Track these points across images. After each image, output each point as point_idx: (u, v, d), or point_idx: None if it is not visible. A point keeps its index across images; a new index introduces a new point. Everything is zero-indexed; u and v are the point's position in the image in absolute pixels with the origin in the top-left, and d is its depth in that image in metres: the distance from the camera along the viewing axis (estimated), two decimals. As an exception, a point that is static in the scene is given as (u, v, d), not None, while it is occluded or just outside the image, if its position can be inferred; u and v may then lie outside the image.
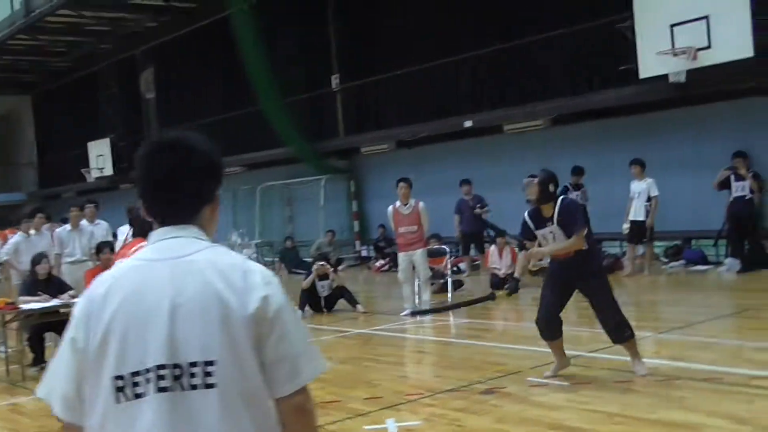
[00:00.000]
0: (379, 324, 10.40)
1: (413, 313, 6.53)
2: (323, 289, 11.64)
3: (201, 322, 1.82)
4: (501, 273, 12.98)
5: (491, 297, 6.90)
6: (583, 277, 6.41)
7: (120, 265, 1.99)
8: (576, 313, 10.32)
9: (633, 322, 9.18)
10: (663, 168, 13.60)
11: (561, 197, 6.51)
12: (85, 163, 27.72)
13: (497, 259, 13.24)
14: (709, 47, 12.04)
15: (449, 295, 11.79)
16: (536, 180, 6.41)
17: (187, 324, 1.82)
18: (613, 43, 13.75)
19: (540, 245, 6.62)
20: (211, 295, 1.84)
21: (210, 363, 1.81)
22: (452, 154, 18.03)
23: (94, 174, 27.15)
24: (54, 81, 31.48)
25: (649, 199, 13.03)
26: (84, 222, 11.48)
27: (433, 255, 12.32)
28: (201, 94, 24.75)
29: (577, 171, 14.40)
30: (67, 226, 11.29)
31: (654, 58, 12.47)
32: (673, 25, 12.40)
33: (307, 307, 11.54)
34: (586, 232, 6.39)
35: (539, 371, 6.88)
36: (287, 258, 19.20)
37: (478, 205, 14.90)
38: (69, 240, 11.08)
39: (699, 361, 6.86)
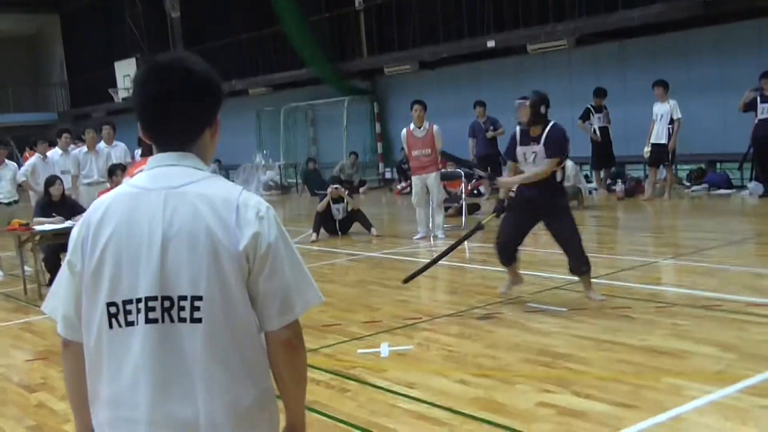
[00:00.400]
0: (391, 248, 10.46)
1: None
2: (338, 212, 11.68)
3: (190, 257, 1.83)
4: (518, 196, 12.91)
5: (479, 228, 6.91)
6: (549, 212, 6.48)
7: (116, 190, 1.98)
8: (586, 237, 10.30)
9: (646, 247, 9.20)
10: (687, 90, 13.31)
11: (553, 122, 6.42)
12: (114, 82, 27.80)
13: (515, 183, 13.14)
14: (738, -38, 11.61)
15: (463, 219, 11.79)
16: (528, 102, 6.33)
17: (177, 257, 1.83)
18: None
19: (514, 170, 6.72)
20: (201, 230, 1.83)
21: (198, 298, 1.82)
22: (475, 76, 17.78)
23: (122, 94, 27.23)
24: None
25: (671, 121, 12.77)
26: (102, 144, 11.56)
27: (449, 178, 12.29)
28: (226, 12, 24.48)
29: (599, 93, 14.16)
30: (84, 148, 11.40)
31: (681, -25, 12.05)
32: (701, -62, 11.95)
33: (321, 230, 11.62)
34: (560, 162, 6.37)
35: (539, 297, 6.92)
36: (310, 179, 19.26)
37: (491, 128, 14.73)
38: (86, 161, 11.20)
39: (701, 288, 6.83)
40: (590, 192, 14.49)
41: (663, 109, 12.84)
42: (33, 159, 11.53)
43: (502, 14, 16.52)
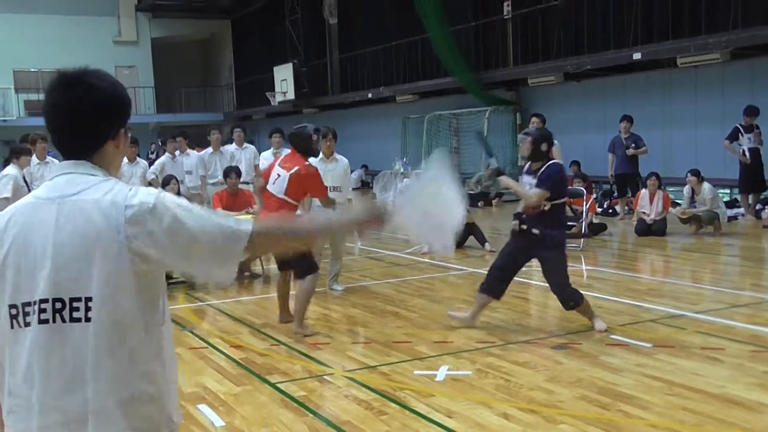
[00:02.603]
0: (500, 264, 10.10)
1: None
2: (453, 224, 11.43)
3: (81, 261, 1.94)
4: (648, 219, 12.21)
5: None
6: (539, 243, 6.45)
7: (20, 201, 2.11)
8: (692, 269, 9.56)
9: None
10: None
11: (552, 161, 6.53)
12: (272, 86, 28.78)
13: (647, 204, 12.42)
14: None
15: (581, 240, 11.23)
16: (529, 138, 6.50)
17: (68, 262, 1.95)
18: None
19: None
20: (90, 234, 1.95)
21: (89, 299, 1.94)
22: (622, 89, 17.02)
23: (278, 98, 28.16)
24: (249, 5, 32.81)
25: (830, 145, 11.65)
26: (233, 146, 11.97)
27: (572, 195, 11.71)
28: (380, 20, 24.82)
29: (750, 111, 13.14)
30: (210, 149, 11.83)
31: None
32: None
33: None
34: (547, 196, 6.38)
35: (627, 329, 6.45)
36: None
37: (633, 145, 13.98)
38: (211, 162, 11.63)
39: (814, 334, 6.13)
40: (736, 218, 13.49)
41: (820, 132, 11.73)
42: (163, 158, 12.09)
43: (651, 25, 15.68)
